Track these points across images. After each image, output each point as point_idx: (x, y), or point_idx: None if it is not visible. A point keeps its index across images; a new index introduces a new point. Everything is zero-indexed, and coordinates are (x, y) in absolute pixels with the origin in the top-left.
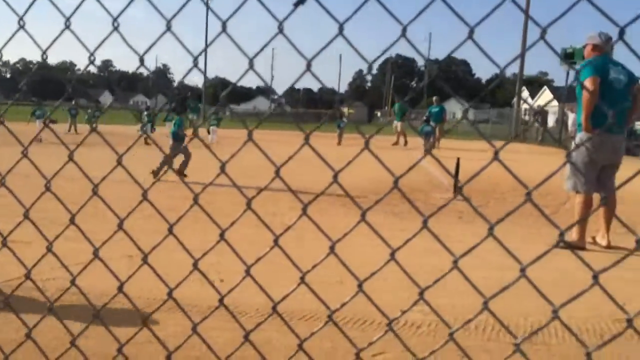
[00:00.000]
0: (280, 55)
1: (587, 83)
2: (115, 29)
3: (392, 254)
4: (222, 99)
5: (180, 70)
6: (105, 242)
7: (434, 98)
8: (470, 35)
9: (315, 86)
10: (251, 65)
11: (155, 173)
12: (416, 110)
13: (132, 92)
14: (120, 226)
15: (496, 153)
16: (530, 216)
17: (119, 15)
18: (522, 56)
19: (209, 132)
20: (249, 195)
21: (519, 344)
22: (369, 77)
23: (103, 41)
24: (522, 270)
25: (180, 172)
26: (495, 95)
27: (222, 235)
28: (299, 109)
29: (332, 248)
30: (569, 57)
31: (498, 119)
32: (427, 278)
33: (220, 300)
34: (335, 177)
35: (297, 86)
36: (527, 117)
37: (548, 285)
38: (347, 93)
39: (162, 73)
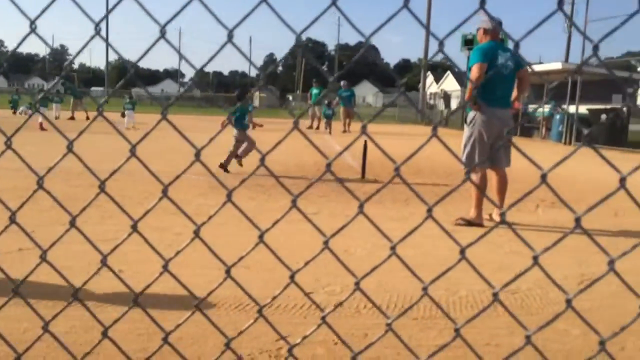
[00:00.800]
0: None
1: (473, 69)
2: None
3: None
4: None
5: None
6: None
7: (342, 82)
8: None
9: (225, 69)
10: (163, 33)
11: (224, 166)
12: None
13: (26, 74)
14: (12, 220)
15: (364, 127)
16: (435, 196)
17: None
18: (426, 42)
19: (123, 116)
20: (161, 182)
21: (391, 322)
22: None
23: None
24: (392, 248)
25: (239, 159)
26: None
27: (134, 227)
28: (209, 93)
29: (260, 237)
30: (468, 43)
31: (406, 103)
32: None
33: (135, 300)
34: (262, 160)
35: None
36: (432, 101)
37: (438, 264)
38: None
39: (60, 54)
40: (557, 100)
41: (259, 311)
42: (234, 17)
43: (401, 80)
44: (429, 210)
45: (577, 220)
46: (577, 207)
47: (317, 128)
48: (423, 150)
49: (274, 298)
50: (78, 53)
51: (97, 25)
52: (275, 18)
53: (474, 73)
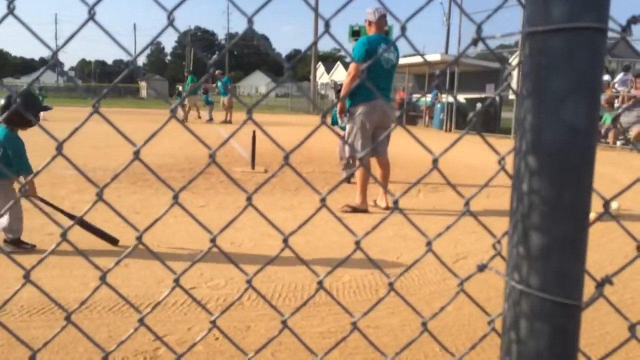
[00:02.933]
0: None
1: (350, 68)
2: None
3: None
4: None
5: None
6: None
7: (217, 72)
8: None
9: (109, 59)
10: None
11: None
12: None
13: None
14: None
15: (249, 111)
16: (326, 185)
17: None
18: (315, 30)
19: None
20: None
21: (286, 319)
22: (168, 50)
23: None
24: (285, 241)
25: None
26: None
27: (64, 235)
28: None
29: (138, 239)
30: (355, 34)
31: (298, 93)
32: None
33: None
34: (136, 153)
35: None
36: (323, 92)
37: (325, 250)
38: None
39: None
40: (438, 90)
41: (140, 320)
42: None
43: (287, 65)
44: (323, 200)
45: (467, 203)
46: (484, 199)
47: (199, 117)
48: (315, 140)
49: (155, 306)
50: None
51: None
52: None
53: (351, 72)
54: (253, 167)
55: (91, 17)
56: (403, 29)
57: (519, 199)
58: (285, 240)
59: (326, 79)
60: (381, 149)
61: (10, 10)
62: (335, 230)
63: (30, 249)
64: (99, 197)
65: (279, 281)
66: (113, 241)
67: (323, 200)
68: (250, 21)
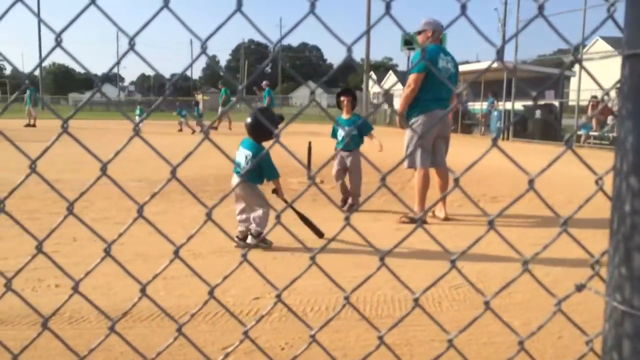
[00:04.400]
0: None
1: (411, 79)
2: None
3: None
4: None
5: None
6: None
7: (263, 82)
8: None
9: (166, 73)
10: (132, 45)
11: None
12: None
13: None
14: None
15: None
16: (382, 195)
17: None
18: (367, 43)
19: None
20: (68, 196)
21: (314, 333)
22: (222, 63)
23: None
24: (311, 258)
25: None
26: (347, 80)
27: (39, 248)
28: (150, 97)
29: (176, 252)
30: (408, 43)
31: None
32: None
33: (44, 324)
34: (173, 172)
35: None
36: (375, 100)
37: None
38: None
39: None
40: (494, 97)
41: (179, 330)
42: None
43: (312, 89)
44: (347, 219)
45: (564, 223)
46: (526, 202)
47: (230, 128)
48: (369, 149)
49: (192, 315)
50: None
51: (58, 36)
52: (217, 20)
53: (410, 84)
54: (309, 178)
55: (131, 47)
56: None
57: (620, 220)
58: (312, 258)
59: (378, 88)
60: (440, 159)
61: (58, 43)
62: (393, 241)
63: (268, 246)
64: (139, 214)
65: (340, 293)
66: (319, 234)
67: (347, 219)
68: (349, 49)
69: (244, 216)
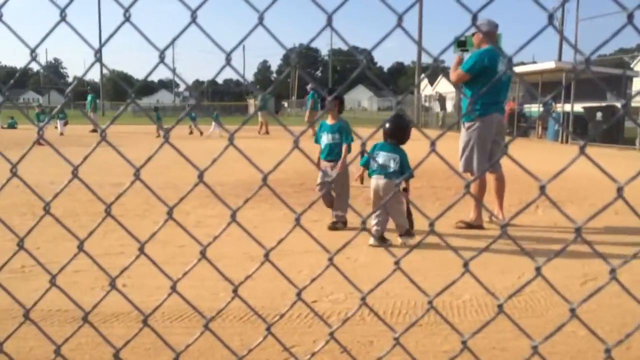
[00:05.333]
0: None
1: (460, 71)
2: None
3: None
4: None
5: (74, 64)
6: (3, 265)
7: (308, 86)
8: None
9: (220, 78)
10: (162, 58)
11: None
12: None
13: (22, 89)
14: (20, 246)
15: (363, 144)
16: (437, 200)
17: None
18: (419, 44)
19: (56, 127)
20: (160, 197)
21: (398, 336)
22: (273, 68)
23: None
24: (396, 263)
25: None
26: (397, 83)
27: (141, 250)
28: (204, 102)
29: (266, 256)
30: (461, 45)
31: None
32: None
33: (144, 321)
34: (264, 180)
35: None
36: (427, 103)
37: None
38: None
39: (54, 67)
40: (552, 99)
41: (268, 329)
42: (226, 22)
43: (398, 97)
44: (431, 225)
45: (578, 230)
46: (579, 207)
47: (267, 132)
48: (423, 153)
49: (282, 316)
50: (80, 78)
51: (96, 52)
52: (268, 24)
53: (459, 73)
54: (362, 182)
55: (161, 60)
56: (510, 61)
57: None
58: (396, 263)
59: (430, 90)
60: (496, 163)
61: (161, 60)
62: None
63: (413, 237)
64: (233, 219)
65: (397, 298)
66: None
67: (431, 225)
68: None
69: (381, 217)
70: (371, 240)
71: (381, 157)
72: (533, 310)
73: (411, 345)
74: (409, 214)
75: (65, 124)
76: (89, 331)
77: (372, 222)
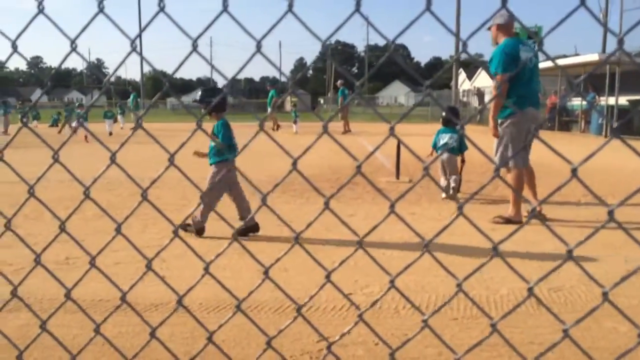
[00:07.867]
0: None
1: (497, 83)
2: (41, 11)
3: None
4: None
5: (116, 65)
6: (46, 247)
7: (338, 82)
8: (428, 7)
9: (256, 76)
10: (195, 47)
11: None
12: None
13: (65, 88)
14: (62, 229)
15: (391, 128)
16: (480, 195)
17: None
18: (457, 39)
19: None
20: (194, 189)
21: (427, 319)
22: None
23: (27, 26)
24: (425, 246)
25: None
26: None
27: (176, 232)
28: (241, 99)
29: (295, 239)
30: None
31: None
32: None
33: (179, 301)
34: (294, 164)
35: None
36: (465, 99)
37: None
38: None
39: (97, 67)
40: (595, 92)
41: (298, 310)
42: (263, 21)
43: (426, 82)
44: (460, 208)
45: (610, 212)
46: (615, 199)
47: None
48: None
49: (312, 297)
50: (116, 69)
51: (132, 42)
52: (304, 21)
53: (502, 87)
54: (397, 177)
55: (194, 48)
56: (540, 44)
57: None
58: (425, 246)
59: (468, 85)
60: (525, 155)
61: (194, 48)
62: (485, 241)
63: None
64: (263, 202)
65: (433, 291)
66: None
67: (460, 208)
68: (392, 45)
69: (450, 178)
70: (443, 195)
71: (444, 138)
72: (573, 305)
73: (446, 338)
74: (460, 179)
75: (115, 120)
76: (130, 319)
77: (443, 182)
